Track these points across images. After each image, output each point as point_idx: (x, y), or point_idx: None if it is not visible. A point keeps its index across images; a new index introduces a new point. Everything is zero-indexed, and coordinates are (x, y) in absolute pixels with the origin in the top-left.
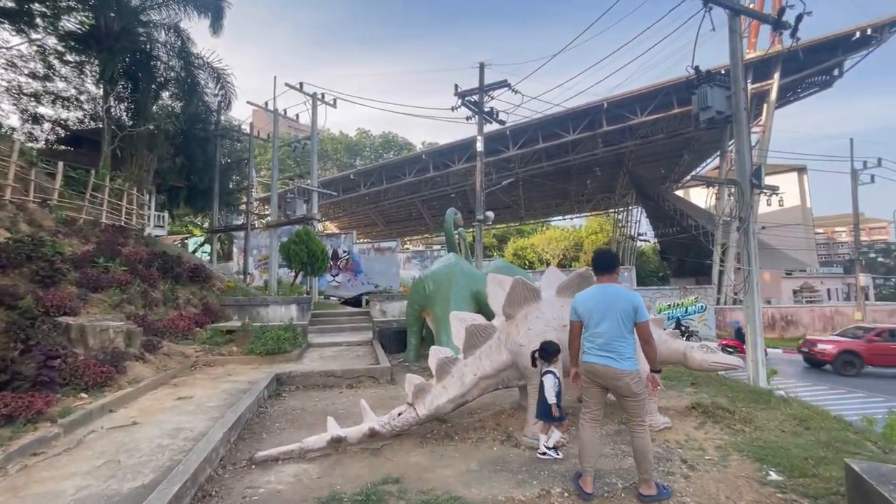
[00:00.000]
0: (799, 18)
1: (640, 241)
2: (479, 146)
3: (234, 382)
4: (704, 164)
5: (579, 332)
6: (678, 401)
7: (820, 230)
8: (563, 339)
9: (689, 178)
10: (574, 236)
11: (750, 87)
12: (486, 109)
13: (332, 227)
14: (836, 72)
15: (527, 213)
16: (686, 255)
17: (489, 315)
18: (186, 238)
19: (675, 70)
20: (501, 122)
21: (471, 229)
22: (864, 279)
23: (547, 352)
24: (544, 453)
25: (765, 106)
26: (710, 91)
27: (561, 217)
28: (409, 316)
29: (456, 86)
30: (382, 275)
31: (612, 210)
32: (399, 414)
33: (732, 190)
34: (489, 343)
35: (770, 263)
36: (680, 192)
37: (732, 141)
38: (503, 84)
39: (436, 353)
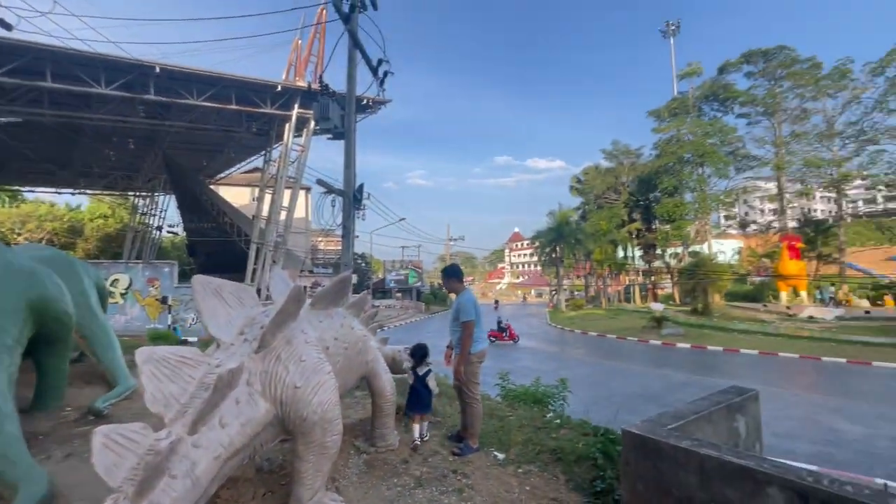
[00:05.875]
0: (385, 74)
1: (169, 232)
2: None
3: None
4: (245, 163)
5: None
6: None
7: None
8: (335, 370)
9: (257, 177)
10: (70, 217)
11: (297, 110)
12: None
13: None
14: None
15: None
16: (218, 251)
17: (55, 335)
18: None
19: (250, 66)
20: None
21: None
22: (354, 277)
23: (422, 354)
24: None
25: (304, 130)
26: (332, 105)
27: (55, 190)
28: None
29: None
30: None
31: (134, 193)
32: None
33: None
34: (235, 395)
35: (291, 263)
36: (214, 188)
37: (278, 146)
38: None
39: (116, 436)
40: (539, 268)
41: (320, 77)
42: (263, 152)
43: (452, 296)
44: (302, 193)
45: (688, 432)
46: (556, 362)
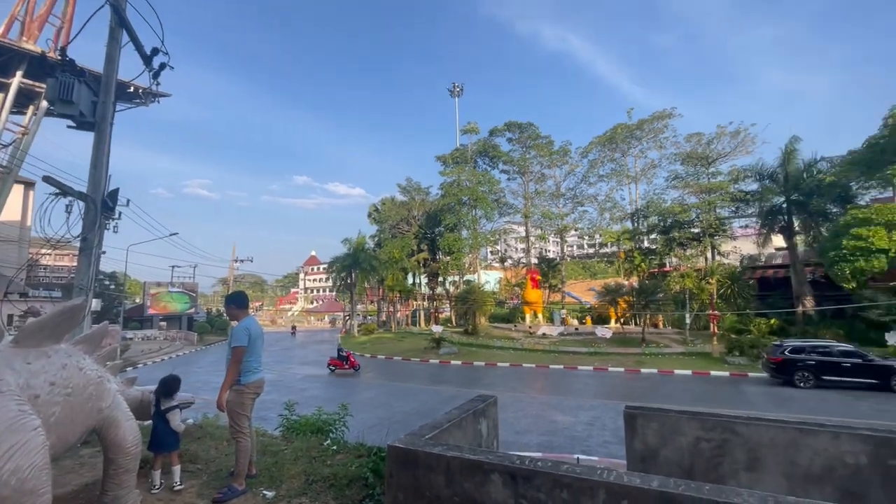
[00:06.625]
0: (162, 66)
1: None
2: None
3: None
4: None
5: (243, 356)
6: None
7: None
8: (49, 423)
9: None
10: None
11: (20, 79)
12: None
13: None
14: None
15: None
16: None
17: None
18: None
19: None
20: None
21: None
22: (95, 303)
23: (171, 388)
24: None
25: (31, 108)
26: (80, 86)
27: None
28: None
29: None
30: None
31: None
32: None
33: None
34: None
35: None
36: None
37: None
38: None
39: None
40: (334, 293)
41: (63, 48)
42: None
43: (235, 324)
44: (18, 189)
45: (442, 440)
46: (344, 388)
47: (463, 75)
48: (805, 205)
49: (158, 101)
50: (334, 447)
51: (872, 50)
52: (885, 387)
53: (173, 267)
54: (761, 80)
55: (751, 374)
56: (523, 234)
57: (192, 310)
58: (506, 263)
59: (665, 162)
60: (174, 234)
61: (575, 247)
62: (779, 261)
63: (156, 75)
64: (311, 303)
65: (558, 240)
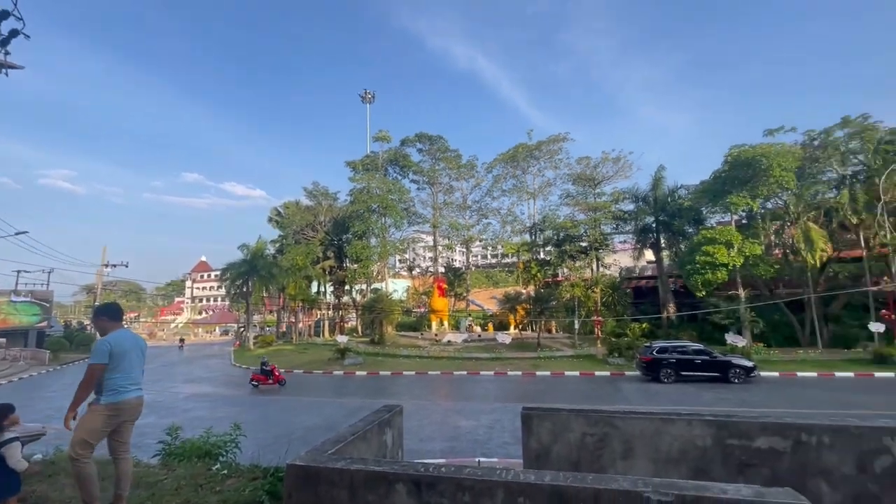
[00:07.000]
0: (13, 33)
1: None
2: None
3: None
4: None
5: (102, 374)
6: None
7: None
8: None
9: None
10: None
11: None
12: None
13: None
14: None
15: None
16: None
17: None
18: None
19: None
20: None
21: None
22: None
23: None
24: None
25: None
26: None
27: None
28: None
29: None
30: None
31: None
32: None
33: None
34: None
35: None
36: None
37: None
38: None
39: None
40: (227, 302)
41: None
42: None
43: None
44: None
45: (346, 453)
46: (237, 406)
47: (375, 83)
48: (669, 225)
49: (6, 74)
50: (224, 471)
51: (722, 97)
52: (725, 378)
53: (19, 272)
54: (637, 113)
55: (627, 373)
56: (431, 243)
57: (44, 323)
58: (414, 272)
59: (559, 181)
60: (22, 232)
61: (479, 257)
62: (650, 273)
63: (4, 42)
64: (200, 313)
65: (464, 250)
